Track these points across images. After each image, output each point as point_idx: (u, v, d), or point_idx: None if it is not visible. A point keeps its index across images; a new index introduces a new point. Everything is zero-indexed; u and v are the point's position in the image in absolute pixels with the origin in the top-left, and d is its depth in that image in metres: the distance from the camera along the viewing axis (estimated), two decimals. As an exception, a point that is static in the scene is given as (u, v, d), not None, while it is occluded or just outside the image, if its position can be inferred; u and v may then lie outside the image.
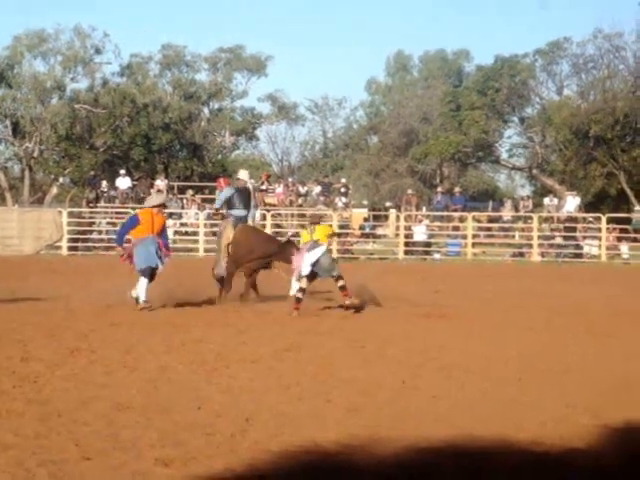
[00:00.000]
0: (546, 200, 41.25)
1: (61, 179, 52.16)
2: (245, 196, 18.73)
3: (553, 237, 37.82)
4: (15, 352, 11.36)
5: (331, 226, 20.34)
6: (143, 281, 16.62)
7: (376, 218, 41.79)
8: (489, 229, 40.25)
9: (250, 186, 19.74)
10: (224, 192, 19.14)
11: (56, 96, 50.10)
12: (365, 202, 46.67)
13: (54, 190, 51.08)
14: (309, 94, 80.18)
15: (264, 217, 37.54)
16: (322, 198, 40.84)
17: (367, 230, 39.92)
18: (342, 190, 41.33)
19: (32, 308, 16.83)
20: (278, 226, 37.08)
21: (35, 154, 49.88)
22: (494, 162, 56.48)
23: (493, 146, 53.21)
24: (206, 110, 56.32)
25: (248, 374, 10.18)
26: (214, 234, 38.09)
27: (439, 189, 44.34)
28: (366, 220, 40.75)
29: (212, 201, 40.16)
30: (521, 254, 37.25)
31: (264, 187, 41.23)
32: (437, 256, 37.29)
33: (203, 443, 7.08)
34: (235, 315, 16.00)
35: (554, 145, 51.15)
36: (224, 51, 55.83)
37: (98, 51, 50.68)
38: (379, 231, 40.07)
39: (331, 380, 9.88)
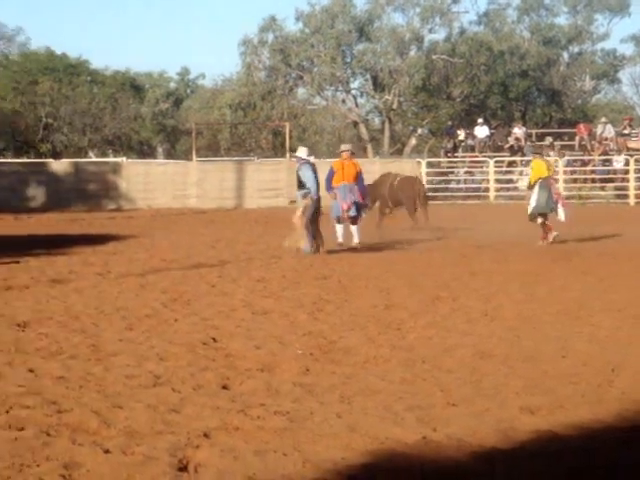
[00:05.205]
0: None
1: (419, 130, 53.05)
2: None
3: None
4: (379, 300, 11.68)
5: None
6: (338, 226, 18.81)
7: None
8: None
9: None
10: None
11: (414, 48, 50.84)
12: None
13: (413, 141, 52.06)
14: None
15: (627, 162, 36.30)
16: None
17: None
18: None
19: (392, 257, 17.27)
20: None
21: (394, 106, 50.91)
22: None
23: None
24: (565, 54, 55.09)
25: (613, 323, 9.90)
26: (574, 181, 37.43)
27: None
28: None
29: (572, 147, 39.38)
30: None
31: (626, 131, 39.81)
32: None
33: (569, 392, 6.93)
34: (596, 262, 15.67)
35: None
36: (584, -8, 54.28)
37: (455, 0, 50.88)
38: None
39: None
